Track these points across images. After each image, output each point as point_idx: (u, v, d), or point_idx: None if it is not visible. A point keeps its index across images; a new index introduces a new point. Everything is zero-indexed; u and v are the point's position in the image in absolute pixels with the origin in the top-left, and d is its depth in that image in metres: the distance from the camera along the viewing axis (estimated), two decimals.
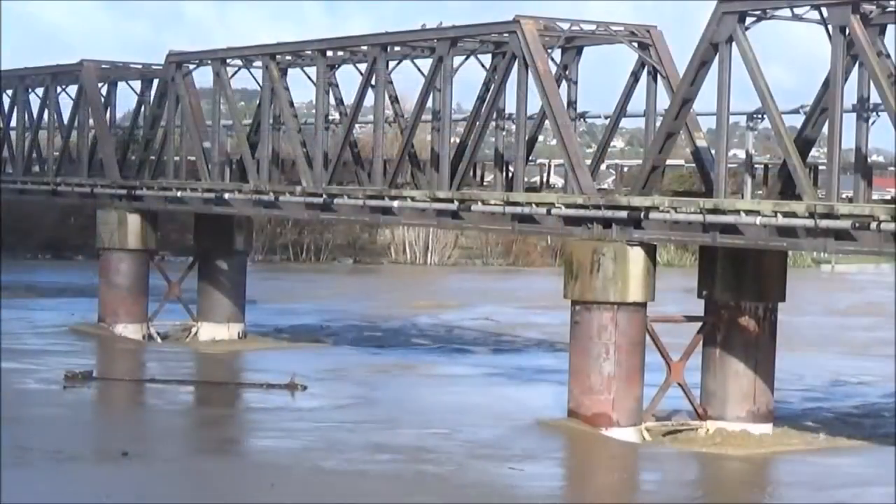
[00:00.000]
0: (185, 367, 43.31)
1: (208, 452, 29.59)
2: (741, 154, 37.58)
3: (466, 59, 38.28)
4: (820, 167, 32.36)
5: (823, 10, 28.79)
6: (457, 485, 26.23)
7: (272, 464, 27.43)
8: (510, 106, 36.55)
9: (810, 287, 79.02)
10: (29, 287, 66.12)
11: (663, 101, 34.34)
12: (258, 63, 45.03)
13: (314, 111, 42.98)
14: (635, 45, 35.08)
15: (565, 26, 35.27)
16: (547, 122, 36.14)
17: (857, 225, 27.61)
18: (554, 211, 33.49)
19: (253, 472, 26.82)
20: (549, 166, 41.98)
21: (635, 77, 35.64)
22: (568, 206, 33.21)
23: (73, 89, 54.68)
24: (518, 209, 34.46)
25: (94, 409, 35.33)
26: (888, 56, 30.06)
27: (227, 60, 46.32)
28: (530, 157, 38.70)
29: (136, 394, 37.49)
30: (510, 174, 36.79)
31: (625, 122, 38.32)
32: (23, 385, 36.74)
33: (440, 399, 37.49)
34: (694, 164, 35.39)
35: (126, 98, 67.48)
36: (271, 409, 34.93)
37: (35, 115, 57.28)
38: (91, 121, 52.85)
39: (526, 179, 36.71)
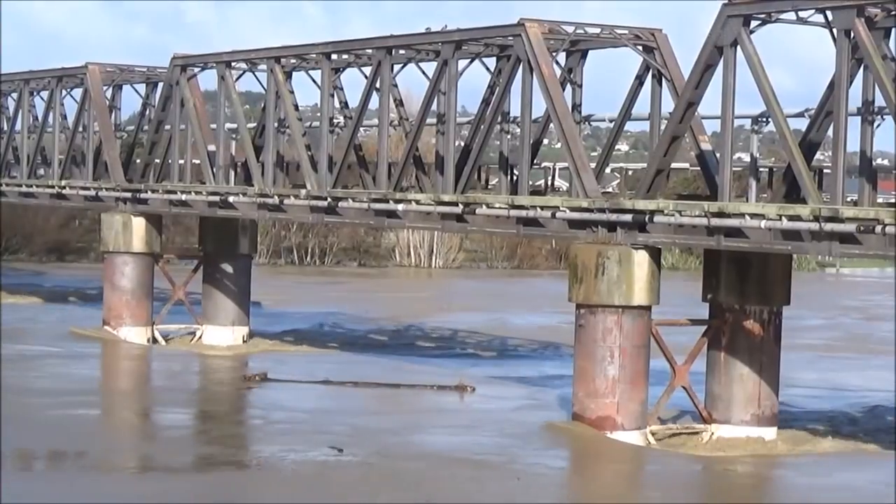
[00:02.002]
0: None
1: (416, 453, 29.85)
2: (746, 157, 37.53)
3: (471, 62, 38.29)
4: (825, 170, 32.34)
5: (828, 13, 28.79)
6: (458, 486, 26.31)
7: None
8: (515, 109, 36.57)
9: (815, 290, 78.98)
10: (33, 290, 66.18)
11: (668, 104, 34.36)
12: (263, 66, 45.07)
13: (319, 114, 42.98)
14: (640, 48, 35.08)
15: (570, 29, 35.27)
16: (551, 125, 36.17)
17: (861, 228, 27.58)
18: (559, 214, 33.49)
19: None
20: (554, 169, 41.90)
21: (640, 80, 35.63)
22: (573, 209, 33.20)
23: (77, 92, 54.73)
24: (523, 212, 34.47)
25: (283, 409, 35.50)
26: (893, 59, 30.04)
27: (232, 63, 46.36)
28: (535, 161, 38.69)
29: (316, 395, 38.21)
30: (515, 177, 36.78)
31: (629, 126, 38.31)
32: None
33: (441, 402, 37.54)
34: (699, 168, 35.37)
35: (131, 101, 67.66)
36: (450, 411, 35.81)
37: (40, 117, 57.40)
38: (96, 124, 52.89)
39: (531, 182, 36.71)
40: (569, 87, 37.00)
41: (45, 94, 56.99)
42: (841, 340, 55.94)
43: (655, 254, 32.29)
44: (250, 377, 39.41)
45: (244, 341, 49.59)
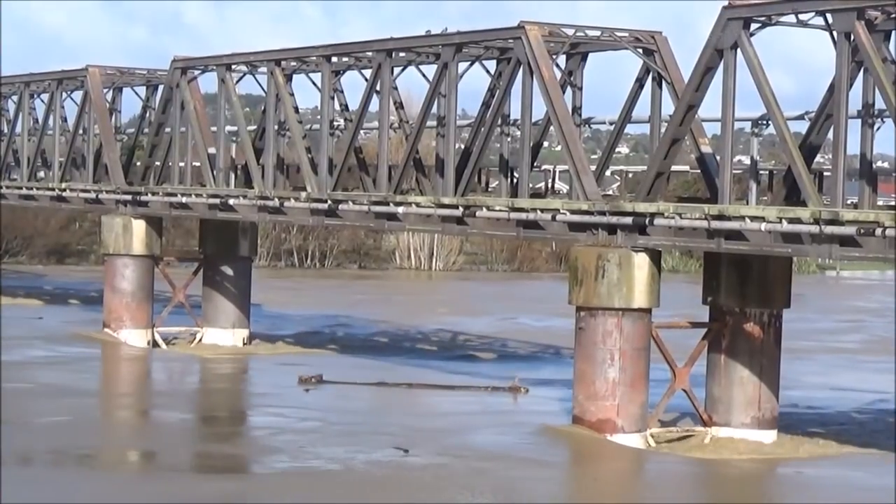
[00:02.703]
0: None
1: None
2: (746, 160, 37.52)
3: (471, 65, 38.28)
4: (825, 173, 32.34)
5: (828, 15, 28.80)
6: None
7: None
8: (515, 112, 36.57)
9: (815, 293, 78.99)
10: (33, 292, 66.18)
11: (668, 106, 34.37)
12: (263, 69, 45.07)
13: (319, 117, 42.98)
14: (640, 50, 35.09)
15: (570, 32, 35.28)
16: (552, 127, 36.18)
17: (862, 231, 27.58)
18: (559, 217, 33.49)
19: None
20: (554, 172, 41.92)
21: (640, 83, 35.64)
22: (573, 211, 33.20)
23: (77, 95, 54.74)
24: (523, 215, 34.47)
25: (336, 410, 36.04)
26: (893, 62, 30.05)
27: (232, 66, 46.36)
28: (535, 163, 38.70)
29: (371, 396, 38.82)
30: (515, 180, 36.79)
31: (630, 128, 38.33)
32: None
33: (444, 406, 37.53)
34: (699, 170, 35.38)
35: (131, 103, 67.58)
36: (501, 412, 36.05)
37: (40, 120, 57.42)
38: (96, 126, 52.90)
39: (531, 185, 36.72)
40: (569, 90, 37.00)
41: (45, 96, 56.99)
42: (840, 343, 55.87)
43: (656, 256, 32.29)
44: (306, 379, 39.96)
45: (244, 344, 49.59)
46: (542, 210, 34.06)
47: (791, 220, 28.76)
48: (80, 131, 54.03)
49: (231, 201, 45.14)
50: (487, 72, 38.40)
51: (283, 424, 33.14)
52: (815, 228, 28.29)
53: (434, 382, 40.41)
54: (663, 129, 33.56)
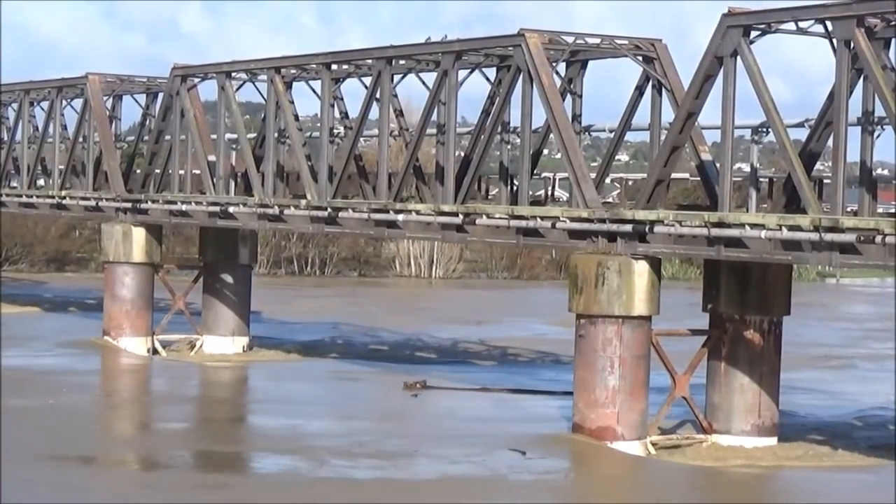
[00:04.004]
0: None
1: None
2: (746, 168, 37.53)
3: (471, 72, 38.31)
4: (825, 181, 32.34)
5: (828, 23, 28.81)
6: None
7: None
8: (515, 119, 36.58)
9: (815, 300, 78.95)
10: (33, 300, 66.17)
11: (668, 114, 34.37)
12: (263, 76, 45.08)
13: (319, 124, 42.99)
14: (640, 58, 35.09)
15: (570, 40, 35.28)
16: (552, 135, 36.18)
17: (861, 238, 27.59)
18: (559, 224, 33.49)
19: None
20: (554, 180, 41.90)
21: (640, 90, 35.64)
22: (573, 219, 33.21)
23: (77, 102, 54.77)
24: (523, 222, 34.47)
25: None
26: (893, 69, 30.06)
27: (232, 74, 46.38)
28: (535, 171, 38.69)
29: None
30: (515, 187, 36.79)
31: (629, 136, 38.30)
32: None
33: (447, 411, 37.52)
34: (699, 178, 35.38)
35: (131, 111, 67.70)
36: None
37: (40, 128, 57.42)
38: (96, 134, 52.91)
39: (531, 193, 36.72)
40: (569, 98, 37.02)
41: (45, 104, 57.01)
42: (841, 349, 55.82)
43: (656, 264, 32.28)
44: (412, 384, 40.98)
45: (244, 351, 49.60)
46: (542, 218, 34.06)
47: (791, 228, 28.77)
48: (80, 139, 54.05)
49: (231, 209, 45.15)
50: (487, 79, 38.45)
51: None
52: (815, 236, 28.29)
53: (537, 388, 41.19)
54: (663, 137, 33.56)
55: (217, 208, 45.79)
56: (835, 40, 28.60)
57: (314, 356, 49.29)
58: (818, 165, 33.24)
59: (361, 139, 44.28)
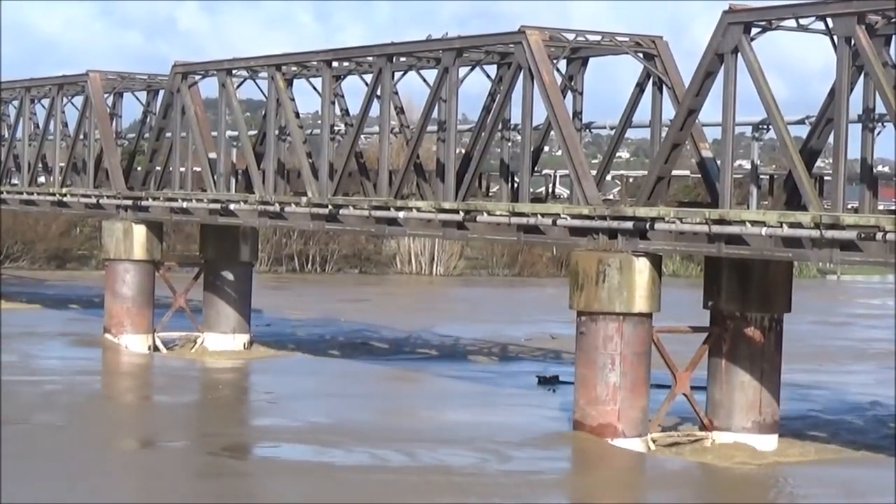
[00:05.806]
0: None
1: None
2: (747, 165, 37.50)
3: (472, 69, 38.30)
4: (825, 178, 32.34)
5: (829, 20, 28.81)
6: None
7: None
8: (515, 116, 36.57)
9: (816, 297, 78.94)
10: (34, 297, 66.20)
11: (669, 111, 34.36)
12: (263, 74, 45.08)
13: (320, 122, 42.98)
14: (640, 55, 35.08)
15: (571, 37, 35.28)
16: (552, 132, 36.18)
17: (862, 235, 27.60)
18: (559, 221, 33.49)
19: None
20: (555, 177, 41.94)
21: (641, 87, 35.64)
22: (573, 216, 33.20)
23: (78, 100, 54.78)
24: (523, 220, 34.47)
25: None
26: (894, 66, 30.04)
27: (233, 71, 46.38)
28: (536, 168, 38.69)
29: None
30: (515, 185, 36.79)
31: (630, 133, 38.31)
32: None
33: (447, 410, 37.53)
34: (699, 175, 35.38)
35: (132, 108, 67.70)
36: None
37: (41, 125, 57.44)
38: (97, 131, 52.92)
39: (531, 190, 36.71)
40: (569, 95, 37.01)
41: (45, 101, 57.03)
42: (841, 347, 55.84)
43: (656, 261, 32.29)
44: (544, 380, 42.45)
45: (245, 348, 49.61)
46: (543, 215, 34.05)
47: (792, 225, 28.76)
48: (81, 136, 54.05)
49: (232, 206, 45.16)
50: (488, 76, 38.44)
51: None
52: (815, 233, 28.29)
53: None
54: (664, 134, 33.56)
55: (218, 205, 45.80)
56: (835, 37, 28.60)
57: (315, 353, 49.30)
58: (819, 162, 33.24)
59: (362, 136, 44.33)
